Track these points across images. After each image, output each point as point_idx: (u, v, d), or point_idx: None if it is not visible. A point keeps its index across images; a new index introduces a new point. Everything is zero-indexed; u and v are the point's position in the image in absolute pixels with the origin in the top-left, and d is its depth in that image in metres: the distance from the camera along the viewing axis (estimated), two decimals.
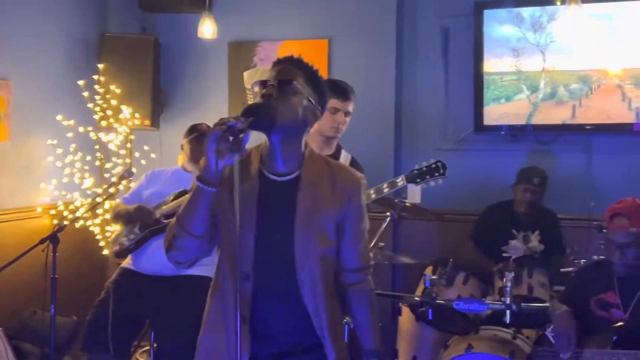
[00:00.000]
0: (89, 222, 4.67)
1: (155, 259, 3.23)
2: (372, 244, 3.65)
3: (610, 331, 2.59)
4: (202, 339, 1.99)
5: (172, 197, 3.30)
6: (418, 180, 3.03)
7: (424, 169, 3.04)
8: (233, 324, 1.78)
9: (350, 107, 3.11)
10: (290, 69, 1.96)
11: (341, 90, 3.08)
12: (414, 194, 4.60)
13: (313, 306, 1.93)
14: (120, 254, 3.40)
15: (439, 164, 3.04)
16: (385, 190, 3.03)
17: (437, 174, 3.03)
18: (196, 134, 3.42)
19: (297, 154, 1.97)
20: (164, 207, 3.28)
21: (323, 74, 4.97)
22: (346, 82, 3.25)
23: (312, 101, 1.96)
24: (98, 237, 4.72)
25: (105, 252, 4.71)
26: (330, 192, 1.96)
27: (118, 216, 3.42)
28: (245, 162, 1.92)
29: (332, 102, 3.05)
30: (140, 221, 3.31)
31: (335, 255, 2.01)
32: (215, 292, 1.98)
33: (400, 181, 3.03)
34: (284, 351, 1.96)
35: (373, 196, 3.04)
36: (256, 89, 1.95)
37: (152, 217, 3.27)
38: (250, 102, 1.99)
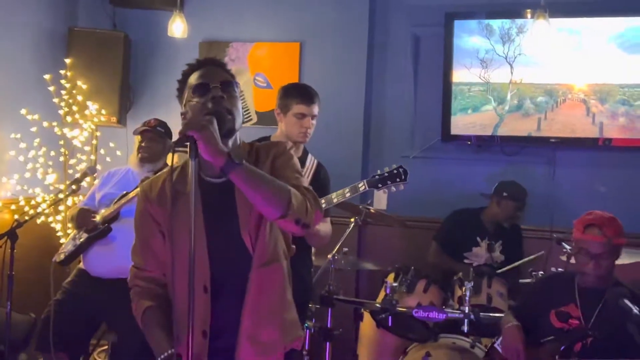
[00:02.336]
0: (50, 219, 4.59)
1: (98, 263, 3.21)
2: (335, 250, 3.68)
3: (558, 342, 2.62)
4: None
5: (115, 200, 3.26)
6: (379, 185, 3.04)
7: (386, 174, 3.06)
8: (195, 337, 1.77)
9: (316, 110, 3.11)
10: (221, 72, 1.96)
11: (306, 94, 3.08)
12: (380, 200, 4.66)
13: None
14: (63, 262, 3.35)
15: (401, 170, 3.06)
16: (347, 195, 3.04)
17: (398, 179, 3.04)
18: (143, 128, 3.42)
19: (234, 147, 1.96)
20: (106, 211, 3.25)
21: (294, 77, 5.04)
22: (313, 85, 3.25)
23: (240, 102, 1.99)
24: (59, 234, 4.65)
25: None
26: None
27: (70, 221, 3.40)
28: (184, 170, 1.90)
29: (299, 108, 3.04)
30: (82, 225, 3.28)
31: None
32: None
33: (362, 186, 3.03)
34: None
35: (335, 200, 3.04)
36: (195, 94, 1.91)
37: (91, 222, 3.24)
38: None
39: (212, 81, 1.90)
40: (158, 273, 2.00)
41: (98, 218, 3.26)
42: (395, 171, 3.05)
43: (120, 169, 3.55)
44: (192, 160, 1.75)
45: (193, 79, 1.93)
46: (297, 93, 3.09)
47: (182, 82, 1.98)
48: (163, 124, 3.48)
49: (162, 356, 1.87)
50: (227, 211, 1.91)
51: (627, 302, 2.37)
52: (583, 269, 2.69)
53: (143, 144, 3.39)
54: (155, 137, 3.40)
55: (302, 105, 3.04)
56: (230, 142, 1.92)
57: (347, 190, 3.05)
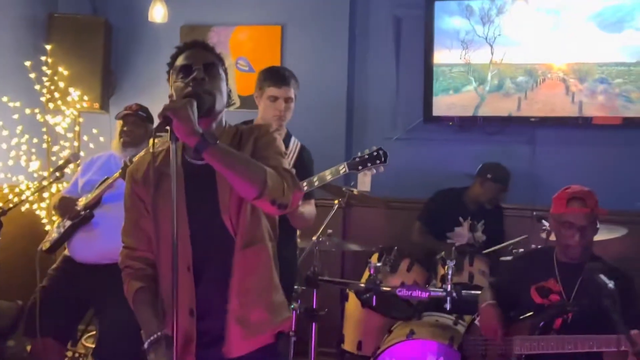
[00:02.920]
0: (35, 206, 4.59)
1: (82, 249, 3.23)
2: (319, 231, 3.71)
3: (538, 318, 2.68)
4: None
5: (97, 185, 3.27)
6: (360, 167, 3.06)
7: (366, 156, 3.07)
8: (180, 317, 1.80)
9: (291, 93, 3.10)
10: (206, 53, 1.99)
11: (277, 77, 3.07)
12: (364, 182, 4.66)
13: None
14: (49, 250, 3.36)
15: (381, 152, 3.07)
16: (328, 177, 3.06)
17: (378, 161, 3.06)
18: (125, 113, 3.43)
19: (219, 131, 1.99)
20: (89, 196, 3.26)
21: (275, 60, 5.02)
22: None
23: (226, 84, 2.01)
24: (44, 221, 4.65)
25: None
26: (242, 153, 1.94)
27: (53, 209, 3.41)
28: (169, 152, 1.92)
29: (271, 91, 3.05)
30: (65, 213, 3.29)
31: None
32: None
33: (342, 168, 3.05)
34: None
35: (316, 183, 3.06)
36: (179, 76, 1.94)
37: (73, 210, 3.25)
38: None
39: (195, 63, 1.94)
40: (149, 253, 2.02)
41: (80, 205, 3.27)
42: (375, 153, 3.07)
43: (102, 155, 3.55)
44: (172, 143, 1.78)
45: (179, 61, 1.98)
46: (269, 76, 3.09)
47: (170, 65, 2.02)
48: (145, 109, 3.49)
49: (151, 339, 1.89)
50: (208, 193, 1.93)
51: (602, 277, 2.42)
52: (568, 241, 2.72)
53: (125, 129, 3.40)
54: (137, 121, 3.42)
55: (274, 88, 3.04)
56: (214, 124, 1.96)
57: (328, 173, 3.07)
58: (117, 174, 3.15)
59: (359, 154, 3.09)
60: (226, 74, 2.04)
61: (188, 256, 1.92)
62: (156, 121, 1.81)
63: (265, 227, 2.03)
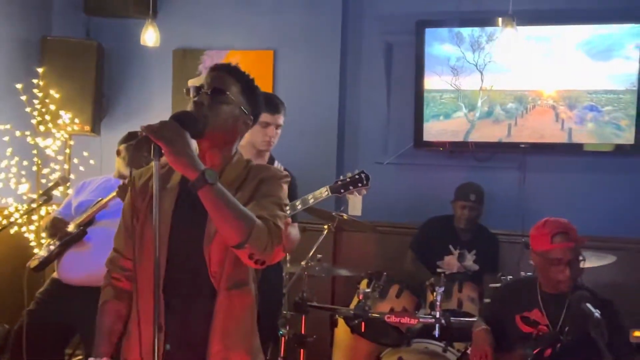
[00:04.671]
0: (23, 229, 4.57)
1: (71, 268, 3.20)
2: (309, 257, 3.70)
3: (530, 345, 2.67)
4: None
5: (91, 206, 3.26)
6: (342, 190, 3.07)
7: (348, 179, 3.09)
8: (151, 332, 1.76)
9: (281, 120, 3.15)
10: (225, 78, 1.97)
11: (272, 104, 3.11)
12: (355, 206, 4.69)
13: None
14: (37, 268, 3.34)
15: (363, 175, 3.09)
16: (311, 201, 3.07)
17: (360, 184, 3.07)
18: (136, 140, 3.41)
19: (225, 161, 1.97)
20: (82, 216, 3.25)
21: (268, 85, 5.04)
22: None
23: (245, 110, 1.99)
24: (33, 243, 4.62)
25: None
26: (242, 192, 1.91)
27: (44, 229, 3.39)
28: (171, 168, 1.89)
29: (263, 117, 3.04)
30: (56, 233, 3.27)
31: None
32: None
33: (325, 192, 3.06)
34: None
35: (299, 207, 3.07)
36: (191, 94, 1.95)
37: (64, 230, 3.24)
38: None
39: (206, 85, 1.95)
40: (131, 262, 1.97)
41: (71, 227, 3.25)
42: (357, 176, 3.09)
43: (98, 178, 3.54)
44: (155, 161, 1.73)
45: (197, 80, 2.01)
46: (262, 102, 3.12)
47: None
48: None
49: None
50: (198, 218, 1.88)
51: (588, 305, 2.41)
52: (558, 277, 2.71)
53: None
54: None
55: (267, 114, 3.06)
56: (207, 146, 1.93)
57: (311, 196, 3.09)
58: (113, 194, 3.14)
59: (341, 177, 3.11)
60: (252, 98, 2.02)
61: (159, 279, 1.82)
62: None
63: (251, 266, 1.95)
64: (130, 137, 3.43)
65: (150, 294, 1.77)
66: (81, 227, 3.22)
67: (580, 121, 4.35)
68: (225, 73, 1.99)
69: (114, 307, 1.99)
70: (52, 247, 3.28)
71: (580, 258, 2.73)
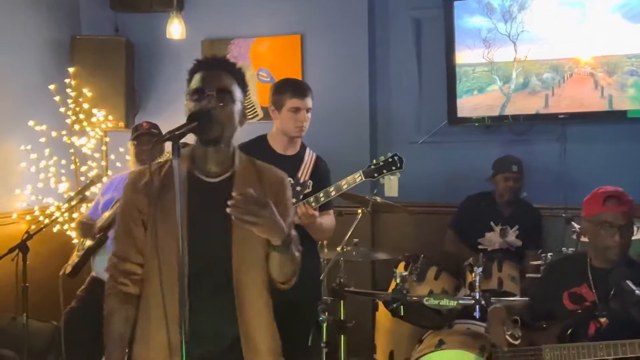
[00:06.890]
0: (65, 227, 4.65)
1: (102, 270, 3.23)
2: (344, 241, 3.66)
3: (567, 325, 2.58)
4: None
5: (111, 207, 3.29)
6: (375, 174, 3.04)
7: (381, 163, 3.06)
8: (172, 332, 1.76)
9: (310, 103, 3.11)
10: (222, 76, 1.94)
11: (299, 89, 3.08)
12: (391, 188, 4.62)
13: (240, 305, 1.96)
14: (71, 273, 3.39)
15: (396, 158, 3.05)
16: (345, 187, 3.04)
17: (394, 167, 3.04)
18: (137, 133, 3.45)
19: (228, 156, 1.99)
20: (101, 220, 3.28)
21: (297, 69, 4.99)
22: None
23: (242, 103, 1.99)
24: (75, 241, 4.70)
25: None
26: (259, 190, 1.90)
27: (75, 230, 3.45)
28: (171, 168, 1.89)
29: (293, 102, 3.04)
30: (85, 235, 3.31)
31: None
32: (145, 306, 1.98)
33: (359, 177, 3.03)
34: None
35: (333, 193, 3.04)
36: (193, 97, 1.92)
37: (91, 232, 3.27)
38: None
39: (209, 88, 1.90)
40: (136, 266, 1.98)
41: (97, 226, 3.29)
42: (390, 159, 3.04)
43: (120, 175, 3.57)
44: (174, 159, 1.72)
45: (194, 81, 1.94)
46: (289, 88, 3.09)
47: (188, 80, 1.99)
48: (155, 125, 3.57)
49: None
50: (219, 211, 1.85)
51: (629, 283, 2.32)
52: (607, 242, 2.61)
53: (144, 148, 3.43)
54: (151, 139, 3.45)
55: (296, 99, 3.03)
56: (223, 146, 1.94)
57: (344, 182, 3.05)
58: None
59: (374, 161, 3.07)
60: (245, 89, 2.01)
61: (184, 278, 1.83)
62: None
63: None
64: (134, 131, 3.49)
65: (174, 296, 1.75)
66: (101, 232, 3.25)
67: (621, 87, 4.18)
68: (221, 70, 1.96)
69: (124, 314, 1.98)
70: (81, 252, 3.34)
71: (636, 226, 2.62)
